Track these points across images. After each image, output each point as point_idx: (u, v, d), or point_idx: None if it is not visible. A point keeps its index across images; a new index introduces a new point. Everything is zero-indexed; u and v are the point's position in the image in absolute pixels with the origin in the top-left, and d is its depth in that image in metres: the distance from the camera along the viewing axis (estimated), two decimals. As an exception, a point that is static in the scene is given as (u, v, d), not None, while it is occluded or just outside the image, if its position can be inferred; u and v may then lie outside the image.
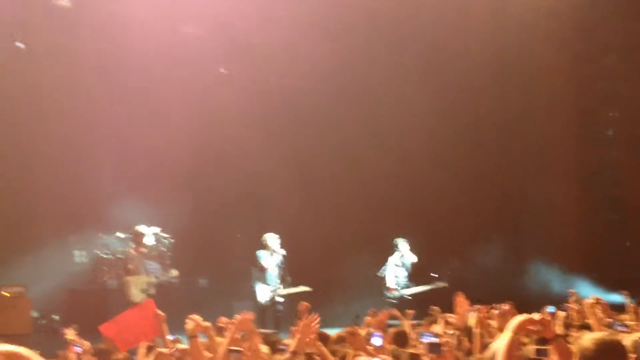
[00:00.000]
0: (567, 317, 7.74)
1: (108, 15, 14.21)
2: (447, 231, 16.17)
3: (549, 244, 15.92)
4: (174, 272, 12.08)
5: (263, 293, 11.83)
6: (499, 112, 16.83)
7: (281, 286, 11.88)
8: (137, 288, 11.24)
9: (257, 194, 15.90)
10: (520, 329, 3.68)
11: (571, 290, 9.92)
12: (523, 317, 3.74)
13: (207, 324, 6.09)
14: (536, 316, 3.73)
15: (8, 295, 11.80)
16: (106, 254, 13.78)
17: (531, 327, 3.71)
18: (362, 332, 6.33)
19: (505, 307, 7.70)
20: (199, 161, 15.46)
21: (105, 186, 13.86)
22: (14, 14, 13.31)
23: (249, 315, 5.89)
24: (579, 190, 16.49)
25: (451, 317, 7.11)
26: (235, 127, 15.96)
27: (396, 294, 12.80)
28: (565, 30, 16.14)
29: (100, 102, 14.45)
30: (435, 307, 8.69)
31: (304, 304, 8.16)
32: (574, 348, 3.63)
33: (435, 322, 7.56)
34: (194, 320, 5.82)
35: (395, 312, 9.34)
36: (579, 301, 8.66)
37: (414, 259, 13.07)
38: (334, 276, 14.92)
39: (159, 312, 6.57)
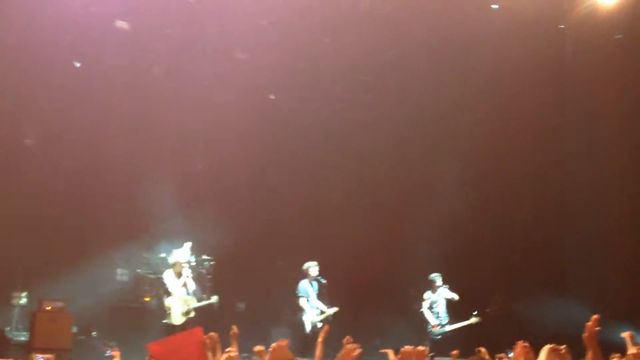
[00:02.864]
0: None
1: (165, 39, 14.52)
2: (492, 269, 15.84)
3: (605, 290, 15.33)
4: (214, 298, 12.05)
5: (307, 322, 11.85)
6: (569, 150, 16.26)
7: (317, 311, 11.92)
8: (177, 310, 11.24)
9: (302, 220, 15.86)
10: None
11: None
12: None
13: (261, 347, 6.15)
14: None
15: (49, 309, 11.89)
16: (148, 273, 13.87)
17: None
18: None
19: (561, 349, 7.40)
20: (244, 186, 15.55)
21: (150, 207, 14.01)
22: (75, 35, 13.70)
23: (283, 343, 5.82)
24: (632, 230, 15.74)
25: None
26: (283, 153, 16.07)
27: (440, 330, 12.62)
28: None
29: (154, 125, 14.72)
30: (482, 349, 8.49)
31: (348, 338, 8.01)
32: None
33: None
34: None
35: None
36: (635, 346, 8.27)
37: (454, 297, 12.88)
38: (373, 308, 14.74)
39: (209, 339, 6.61)
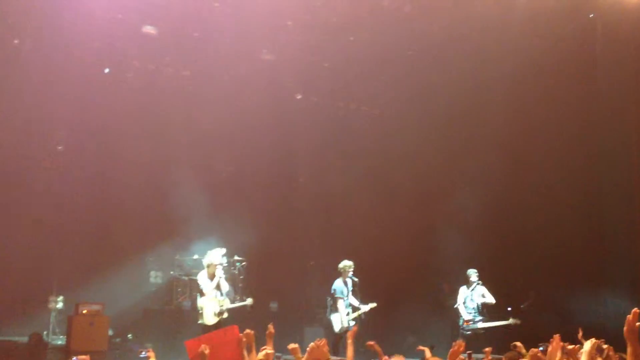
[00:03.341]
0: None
1: (191, 42, 14.62)
2: (526, 265, 15.67)
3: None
4: (249, 300, 12.04)
5: (337, 322, 11.79)
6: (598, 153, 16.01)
7: (349, 310, 11.82)
8: (209, 310, 11.28)
9: (332, 220, 15.87)
10: None
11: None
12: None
13: (295, 345, 6.18)
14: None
15: (85, 312, 12.05)
16: (181, 275, 13.97)
17: None
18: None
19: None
20: (275, 186, 15.61)
21: (182, 209, 14.12)
22: (104, 41, 13.86)
23: (322, 342, 5.81)
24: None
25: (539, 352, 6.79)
26: (311, 152, 16.09)
27: (472, 325, 12.53)
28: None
29: (182, 126, 14.82)
30: (518, 343, 8.39)
31: (371, 344, 7.96)
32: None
33: (515, 358, 7.27)
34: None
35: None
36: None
37: (491, 301, 12.76)
38: (407, 305, 14.69)
39: (246, 337, 6.65)
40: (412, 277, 15.57)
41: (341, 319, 11.78)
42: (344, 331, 11.64)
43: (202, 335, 7.49)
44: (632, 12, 14.31)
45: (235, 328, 7.08)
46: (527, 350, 7.82)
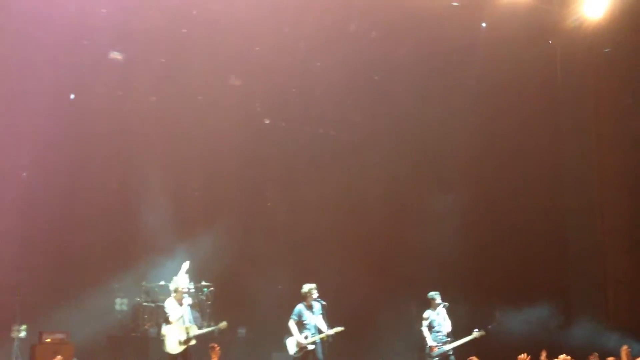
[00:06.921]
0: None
1: (158, 67, 14.63)
2: (491, 283, 15.83)
3: (600, 298, 15.33)
4: (224, 324, 11.84)
5: (292, 346, 11.60)
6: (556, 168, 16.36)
7: (316, 334, 11.60)
8: (173, 338, 11.06)
9: (298, 244, 15.86)
10: None
11: (624, 346, 9.27)
12: None
13: None
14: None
15: (49, 341, 11.83)
16: (147, 302, 13.80)
17: None
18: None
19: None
20: (243, 210, 15.59)
21: (149, 235, 14.01)
22: (70, 67, 13.79)
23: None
24: (629, 244, 15.76)
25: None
26: (279, 176, 16.15)
27: (439, 351, 12.42)
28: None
29: (148, 152, 14.76)
30: (474, 359, 8.42)
31: None
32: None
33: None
34: None
35: None
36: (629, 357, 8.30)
37: (448, 325, 12.70)
38: (373, 329, 14.68)
39: None
40: (380, 300, 15.59)
41: (296, 342, 11.55)
42: (301, 354, 11.45)
43: None
44: (587, 38, 14.86)
45: None
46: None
